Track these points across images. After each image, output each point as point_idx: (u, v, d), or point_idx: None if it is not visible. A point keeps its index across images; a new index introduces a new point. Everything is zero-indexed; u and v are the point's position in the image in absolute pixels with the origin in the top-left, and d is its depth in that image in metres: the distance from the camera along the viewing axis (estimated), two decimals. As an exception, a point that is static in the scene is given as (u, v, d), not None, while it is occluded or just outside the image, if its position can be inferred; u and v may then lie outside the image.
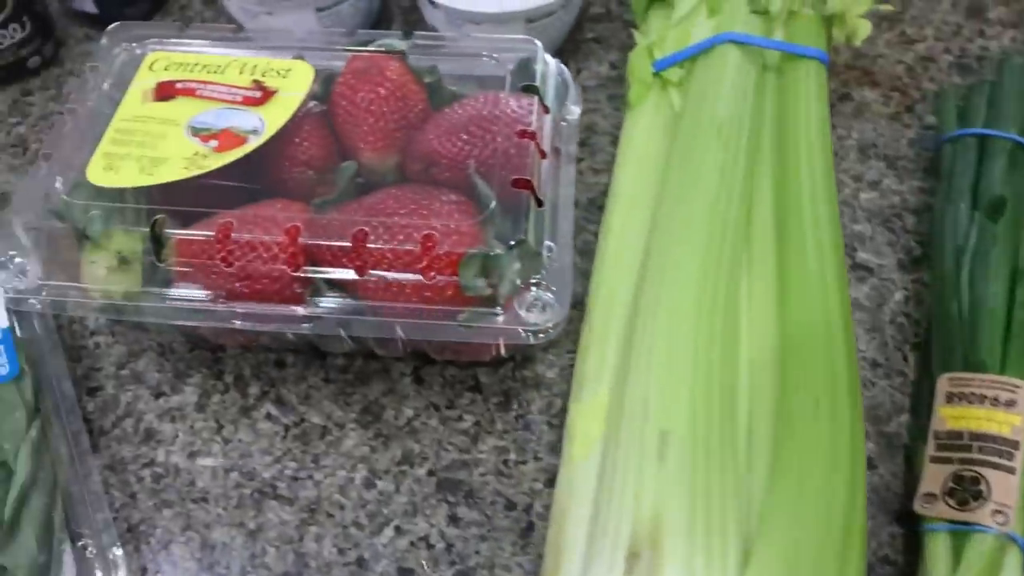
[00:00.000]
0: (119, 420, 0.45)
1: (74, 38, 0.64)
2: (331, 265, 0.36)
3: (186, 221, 0.38)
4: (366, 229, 0.35)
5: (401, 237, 0.35)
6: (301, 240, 0.36)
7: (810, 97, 0.46)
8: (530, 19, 0.53)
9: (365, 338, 0.41)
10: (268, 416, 0.44)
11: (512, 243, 0.35)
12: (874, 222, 0.51)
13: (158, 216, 0.37)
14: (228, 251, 0.36)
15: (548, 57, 0.43)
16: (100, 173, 0.38)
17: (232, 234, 0.36)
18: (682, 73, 0.49)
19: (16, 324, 0.43)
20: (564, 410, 0.44)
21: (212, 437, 0.44)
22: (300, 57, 0.43)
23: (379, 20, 0.63)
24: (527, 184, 0.37)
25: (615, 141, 0.54)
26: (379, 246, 0.35)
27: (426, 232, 0.35)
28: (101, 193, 0.38)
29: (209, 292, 0.37)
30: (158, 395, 0.45)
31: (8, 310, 0.43)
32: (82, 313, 0.39)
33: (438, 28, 0.56)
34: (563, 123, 0.42)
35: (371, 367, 0.46)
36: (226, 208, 0.38)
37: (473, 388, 0.45)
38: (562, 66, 0.44)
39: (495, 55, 0.43)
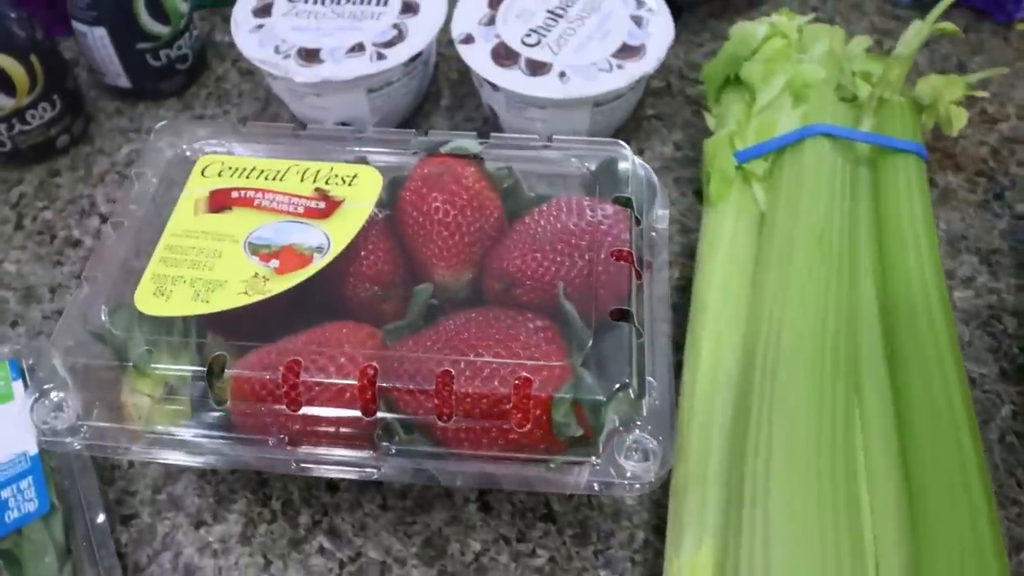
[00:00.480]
0: (156, 554, 0.40)
1: (104, 113, 0.61)
2: (409, 407, 0.32)
3: (238, 343, 0.34)
4: (451, 371, 0.31)
5: (491, 379, 0.31)
6: (378, 383, 0.32)
7: (912, 195, 0.43)
8: (598, 103, 0.50)
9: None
10: (321, 550, 0.40)
11: (617, 386, 0.31)
12: (971, 325, 0.47)
13: (217, 354, 0.33)
14: (295, 393, 0.32)
15: (634, 157, 0.39)
16: (150, 300, 0.34)
17: (301, 374, 0.32)
18: (766, 166, 0.45)
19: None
20: (647, 544, 0.40)
21: (259, 575, 0.40)
22: (363, 159, 0.40)
23: (427, 97, 0.59)
24: (626, 315, 0.33)
25: (684, 229, 0.51)
26: (466, 389, 0.31)
27: (521, 377, 0.31)
28: (148, 318, 0.35)
29: (269, 435, 0.33)
30: (198, 524, 0.41)
31: (39, 436, 0.39)
32: (126, 456, 0.35)
33: (497, 112, 0.53)
34: (652, 233, 0.38)
35: (432, 491, 0.42)
36: (282, 331, 0.35)
37: (546, 517, 0.41)
38: (647, 167, 0.40)
39: (575, 157, 0.40)
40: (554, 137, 0.40)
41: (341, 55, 0.51)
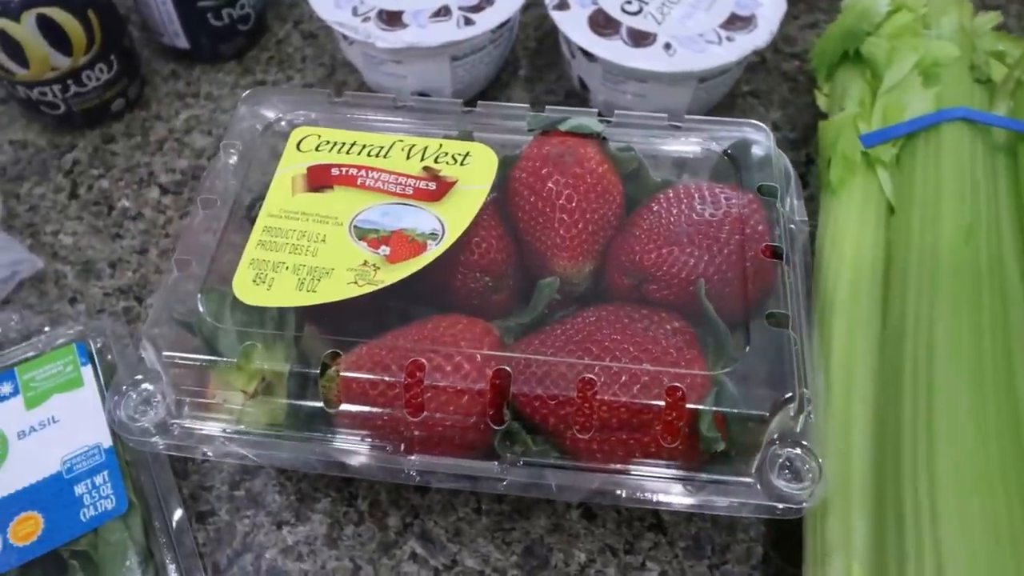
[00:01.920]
0: (236, 556, 0.38)
1: (160, 76, 0.57)
2: (541, 415, 0.29)
3: (339, 337, 0.31)
4: (593, 378, 0.28)
5: (635, 388, 0.28)
6: (511, 389, 0.28)
7: (1059, 189, 0.39)
8: (703, 79, 0.46)
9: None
10: (413, 556, 0.37)
11: (784, 398, 0.28)
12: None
13: (331, 351, 0.29)
14: (418, 397, 0.29)
15: (772, 143, 0.36)
16: (249, 288, 0.31)
17: (423, 379, 0.29)
18: (894, 152, 0.41)
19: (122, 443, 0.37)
20: (767, 560, 0.37)
21: (350, 582, 0.37)
22: (469, 135, 0.36)
23: (503, 67, 0.55)
24: (782, 319, 0.30)
25: (795, 221, 0.47)
26: (609, 397, 0.28)
27: (669, 386, 0.28)
28: (241, 306, 0.31)
29: (381, 439, 0.30)
30: (280, 524, 0.38)
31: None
32: (222, 459, 0.32)
33: (588, 85, 0.49)
34: (791, 226, 0.34)
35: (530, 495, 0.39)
36: (386, 324, 0.32)
37: (655, 527, 0.38)
38: (781, 153, 0.36)
39: (705, 138, 0.36)
40: (685, 116, 0.36)
41: (425, 19, 0.47)
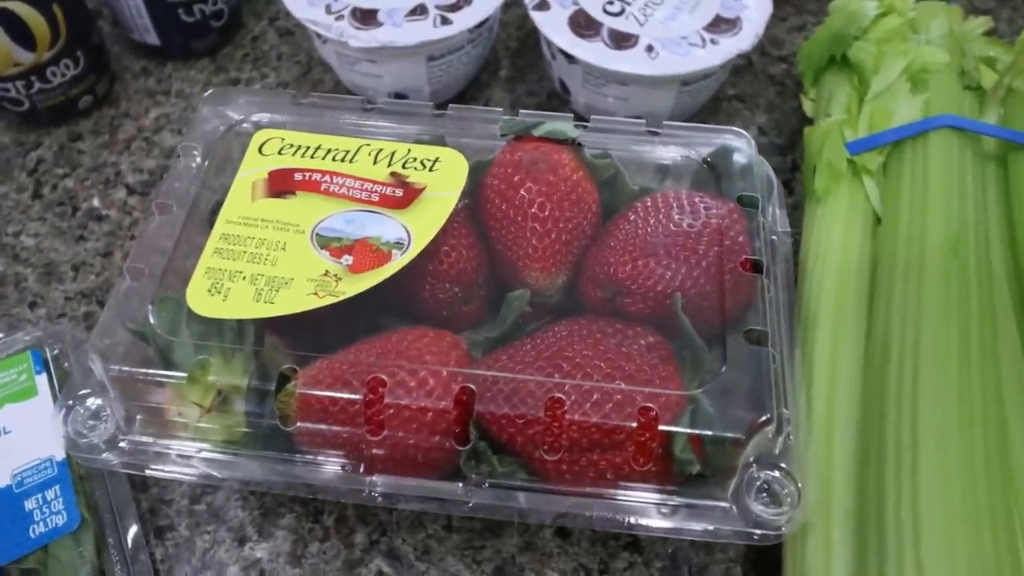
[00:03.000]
0: (196, 573, 0.36)
1: (130, 73, 0.55)
2: (507, 435, 0.28)
3: (299, 351, 0.29)
4: (562, 397, 0.27)
5: (606, 407, 0.27)
6: (476, 408, 0.27)
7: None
8: (686, 82, 0.45)
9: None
10: (380, 575, 0.36)
11: (761, 420, 0.27)
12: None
13: (287, 367, 0.28)
14: (378, 415, 0.27)
15: (754, 151, 0.34)
16: (204, 298, 0.29)
17: (384, 396, 0.27)
18: (880, 160, 0.40)
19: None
20: (746, 582, 0.35)
21: (313, 602, 0.35)
22: (440, 139, 0.35)
23: (483, 67, 0.54)
24: (760, 336, 0.29)
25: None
26: (578, 417, 0.27)
27: (641, 406, 0.27)
28: (198, 317, 0.30)
29: (342, 458, 0.29)
30: (242, 540, 0.37)
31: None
32: (172, 476, 0.30)
33: (569, 87, 0.48)
34: (773, 237, 0.33)
35: (504, 513, 0.37)
36: (349, 336, 0.30)
37: (631, 547, 0.37)
38: (763, 161, 0.35)
39: (683, 145, 0.35)
40: (664, 122, 0.35)
41: (400, 17, 0.46)
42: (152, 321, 0.30)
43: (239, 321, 0.30)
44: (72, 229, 0.47)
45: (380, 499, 0.29)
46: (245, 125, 0.35)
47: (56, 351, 0.39)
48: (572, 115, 0.35)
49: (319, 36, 0.47)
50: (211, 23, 0.54)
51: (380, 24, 0.46)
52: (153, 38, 0.54)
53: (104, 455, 0.30)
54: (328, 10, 0.47)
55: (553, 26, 0.46)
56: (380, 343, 0.30)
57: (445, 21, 0.46)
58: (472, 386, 0.27)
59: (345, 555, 0.37)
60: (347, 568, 0.36)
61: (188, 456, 0.30)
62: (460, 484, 0.28)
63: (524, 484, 0.28)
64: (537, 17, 0.46)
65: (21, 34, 0.46)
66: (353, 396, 0.27)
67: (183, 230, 0.32)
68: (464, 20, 0.46)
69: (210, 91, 0.37)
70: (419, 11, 0.46)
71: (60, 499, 0.34)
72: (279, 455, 0.30)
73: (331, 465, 0.29)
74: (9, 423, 0.36)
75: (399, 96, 0.49)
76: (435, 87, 0.49)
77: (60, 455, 0.35)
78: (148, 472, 0.30)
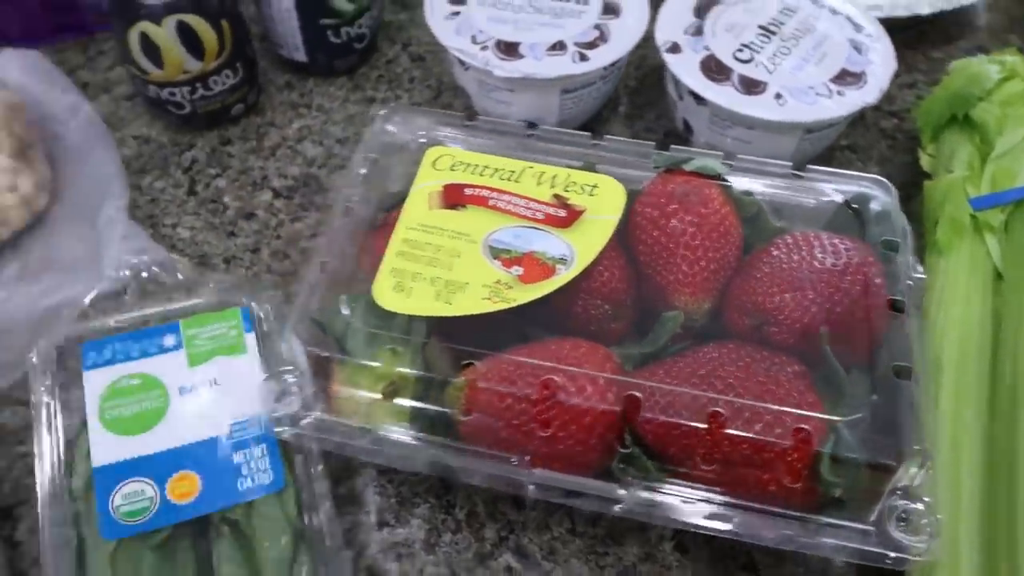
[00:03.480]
0: (337, 551, 0.39)
1: (275, 85, 0.59)
2: (663, 442, 0.30)
3: (447, 356, 0.32)
4: (721, 411, 0.29)
5: (762, 425, 0.29)
6: (645, 414, 0.30)
7: None
8: (809, 130, 0.47)
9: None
10: (508, 569, 0.38)
11: (913, 449, 0.29)
12: None
13: (467, 362, 0.31)
14: (549, 413, 0.30)
15: (894, 198, 0.37)
16: (389, 294, 0.32)
17: (557, 394, 0.30)
18: (1003, 218, 0.42)
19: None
20: (857, 609, 0.37)
21: (443, 587, 0.38)
22: (591, 166, 0.38)
23: (606, 103, 0.57)
24: (905, 371, 0.31)
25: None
26: (738, 433, 0.29)
27: (796, 428, 0.29)
28: (372, 311, 0.33)
29: (504, 450, 0.31)
30: (381, 525, 0.40)
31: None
32: (350, 452, 0.33)
33: (693, 126, 0.51)
34: (909, 282, 0.35)
35: (624, 522, 0.39)
36: (507, 341, 0.33)
37: (748, 567, 0.38)
38: (898, 207, 0.37)
39: (825, 188, 0.37)
40: (808, 166, 0.37)
41: (542, 52, 0.49)
42: (342, 311, 0.33)
43: (409, 319, 0.33)
44: (223, 225, 0.51)
45: (535, 491, 0.31)
46: (423, 142, 0.38)
47: (262, 315, 0.40)
48: (721, 153, 0.37)
49: (462, 63, 0.50)
50: (354, 45, 0.58)
51: (522, 56, 0.49)
52: (301, 55, 0.58)
53: (292, 428, 0.33)
54: (474, 40, 0.50)
55: (685, 69, 0.48)
56: (541, 349, 0.33)
57: (583, 58, 0.49)
58: (637, 393, 0.30)
59: (476, 548, 0.39)
60: (478, 560, 0.39)
61: (361, 436, 0.33)
62: (616, 484, 0.31)
63: (674, 491, 0.31)
64: (670, 59, 0.49)
65: (194, 45, 0.51)
66: (526, 393, 0.30)
67: (361, 232, 0.35)
68: (600, 58, 0.49)
69: (386, 108, 0.40)
70: (559, 47, 0.50)
71: (266, 458, 0.35)
72: (442, 442, 0.32)
73: (501, 458, 0.32)
74: (220, 375, 0.38)
75: (530, 124, 0.52)
76: (563, 117, 0.52)
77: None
78: (326, 447, 0.33)
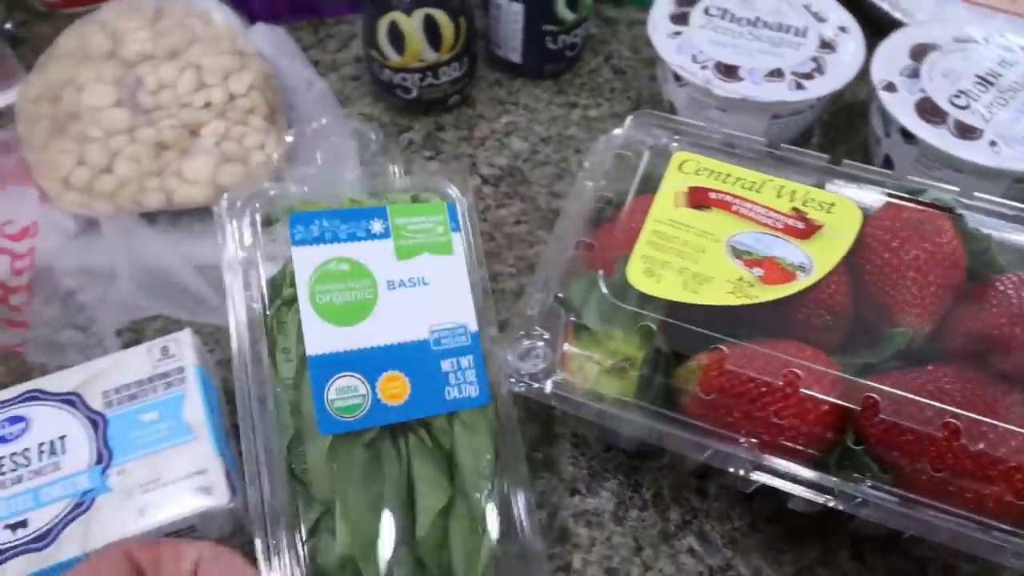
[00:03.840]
0: (530, 510, 0.42)
1: (485, 81, 0.64)
2: (892, 446, 0.32)
3: (685, 337, 0.35)
4: (955, 422, 0.31)
5: (997, 445, 0.31)
6: (881, 416, 0.32)
7: None
8: (1018, 179, 0.48)
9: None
10: (691, 551, 0.41)
11: None
12: None
13: (715, 347, 0.34)
14: (782, 403, 0.32)
15: None
16: (641, 277, 0.36)
17: (798, 385, 0.32)
18: None
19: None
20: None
21: (630, 557, 0.41)
22: (821, 185, 0.40)
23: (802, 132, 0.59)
24: None
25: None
26: (969, 445, 0.31)
27: (1028, 448, 0.31)
28: (602, 290, 0.36)
29: (733, 430, 0.34)
30: (573, 492, 0.43)
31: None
32: (587, 415, 0.36)
33: (896, 164, 0.52)
34: None
35: (803, 523, 0.41)
36: (737, 335, 0.35)
37: (922, 584, 0.40)
38: None
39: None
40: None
41: (760, 77, 0.52)
42: (583, 284, 0.36)
43: (640, 301, 0.36)
44: (436, 203, 0.56)
45: (751, 473, 0.34)
46: (672, 145, 0.41)
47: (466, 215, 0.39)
48: (956, 188, 0.39)
49: (678, 79, 0.54)
50: (566, 52, 0.62)
51: (740, 79, 0.52)
52: (516, 57, 0.62)
53: (533, 384, 0.36)
54: (694, 59, 0.53)
55: (900, 107, 0.50)
56: (771, 345, 0.35)
57: (799, 86, 0.51)
58: (875, 396, 0.32)
59: (661, 526, 0.42)
60: (662, 537, 0.41)
61: (594, 401, 0.36)
62: (834, 477, 0.33)
63: (892, 492, 0.33)
64: (885, 97, 0.51)
65: (434, 37, 0.55)
66: (772, 381, 0.32)
67: (607, 218, 0.39)
68: (816, 88, 0.51)
69: (635, 113, 0.44)
70: (776, 74, 0.52)
71: (473, 371, 0.35)
72: (673, 414, 0.35)
73: (719, 434, 0.34)
74: (427, 274, 0.36)
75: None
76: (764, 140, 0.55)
77: (474, 326, 0.36)
78: (562, 406, 0.36)
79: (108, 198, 0.50)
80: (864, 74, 0.53)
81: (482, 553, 0.34)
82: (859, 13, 0.57)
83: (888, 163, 0.54)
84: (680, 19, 0.56)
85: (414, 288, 0.36)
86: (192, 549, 0.30)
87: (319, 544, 0.33)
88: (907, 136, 0.50)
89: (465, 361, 0.35)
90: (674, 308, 0.36)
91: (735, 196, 0.38)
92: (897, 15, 0.61)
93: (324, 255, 0.35)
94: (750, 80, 0.52)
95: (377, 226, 0.37)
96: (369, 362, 0.34)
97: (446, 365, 0.34)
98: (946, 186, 0.39)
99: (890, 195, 0.39)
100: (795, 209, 0.38)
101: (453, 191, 0.40)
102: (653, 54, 0.55)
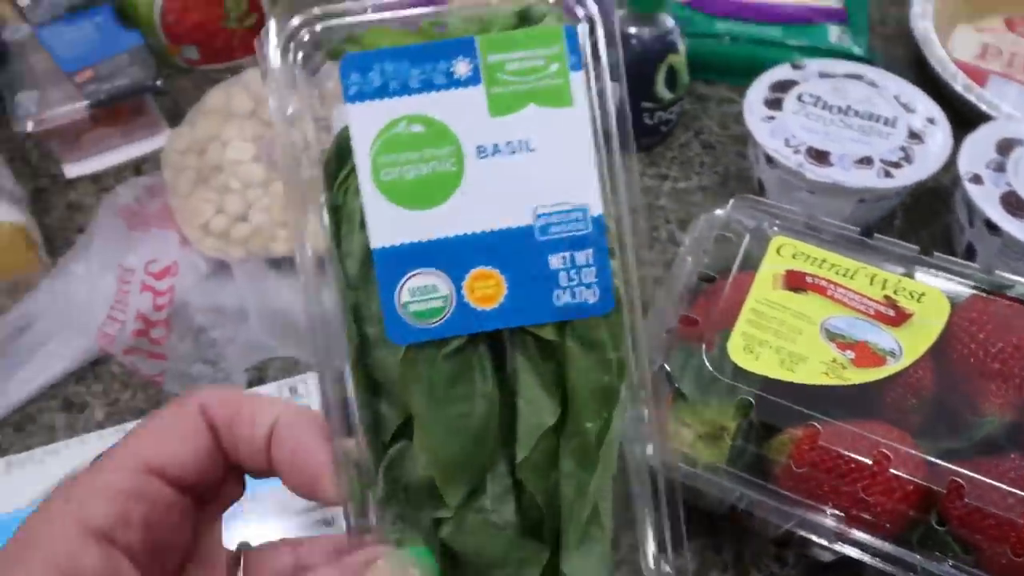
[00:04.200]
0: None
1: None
2: (975, 528, 0.34)
3: (779, 412, 0.38)
4: (1037, 512, 0.33)
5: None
6: (965, 500, 0.34)
7: None
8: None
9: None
10: (770, 616, 0.43)
11: None
12: None
13: (809, 425, 0.37)
14: (874, 478, 0.35)
15: None
16: (740, 352, 0.39)
17: (887, 465, 0.35)
18: None
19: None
20: None
21: (710, 616, 0.43)
22: (910, 275, 0.43)
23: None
24: None
25: None
26: (1047, 534, 0.33)
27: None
28: (713, 362, 0.39)
29: (821, 503, 0.36)
30: (659, 548, 0.45)
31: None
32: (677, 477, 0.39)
33: (979, 253, 0.55)
34: None
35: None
36: (827, 413, 0.38)
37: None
38: None
39: None
40: None
41: (850, 163, 0.55)
42: (683, 355, 0.40)
43: (735, 375, 0.39)
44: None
45: (838, 545, 0.36)
46: (771, 230, 0.45)
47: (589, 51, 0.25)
48: (1039, 282, 0.41)
49: (770, 160, 0.57)
50: (660, 128, 0.66)
51: (831, 165, 0.55)
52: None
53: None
54: (787, 143, 0.57)
55: (985, 199, 0.53)
56: (861, 425, 0.38)
57: (888, 174, 0.54)
58: (959, 480, 0.34)
59: (741, 588, 0.44)
60: (742, 599, 0.44)
61: (685, 466, 0.39)
62: (917, 555, 0.35)
63: (977, 573, 0.35)
64: (972, 189, 0.53)
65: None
66: (863, 459, 0.35)
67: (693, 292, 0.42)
68: (904, 177, 0.54)
69: (736, 198, 0.47)
70: (866, 161, 0.55)
71: (592, 269, 0.25)
72: (764, 484, 0.38)
73: (808, 505, 0.37)
74: (533, 136, 0.25)
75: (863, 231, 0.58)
76: (847, 223, 0.58)
77: (597, 208, 0.25)
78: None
79: (242, 244, 0.55)
80: (949, 163, 0.55)
81: (593, 484, 0.27)
82: (947, 105, 0.60)
83: (971, 251, 0.56)
84: (774, 104, 0.59)
85: (514, 156, 0.26)
86: (269, 411, 0.26)
87: (405, 453, 0.27)
88: (991, 228, 0.52)
89: (582, 256, 0.25)
90: (769, 383, 0.39)
91: (830, 281, 0.41)
92: (983, 107, 0.64)
93: (389, 113, 0.25)
94: (840, 166, 0.55)
95: (462, 67, 0.26)
96: (453, 255, 0.26)
97: (555, 260, 0.25)
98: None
99: (977, 287, 0.41)
100: (887, 297, 0.41)
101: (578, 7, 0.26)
102: (741, 131, 0.59)
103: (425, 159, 0.25)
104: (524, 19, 0.26)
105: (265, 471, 0.27)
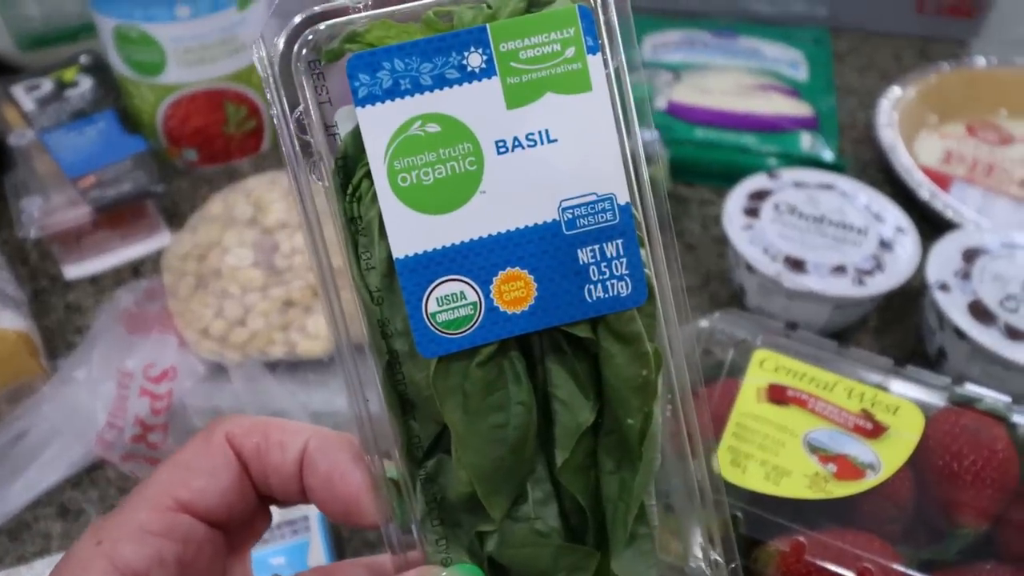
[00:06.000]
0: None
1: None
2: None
3: (764, 525, 0.39)
4: (1015, 627, 0.35)
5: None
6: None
7: None
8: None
9: None
10: None
11: None
12: None
13: (796, 539, 0.38)
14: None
15: None
16: (727, 466, 0.40)
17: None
18: None
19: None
20: None
21: None
22: (884, 388, 0.45)
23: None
24: None
25: None
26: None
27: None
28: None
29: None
30: (649, 656, 0.46)
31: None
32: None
33: (949, 357, 0.57)
34: None
35: None
36: (801, 524, 0.39)
37: None
38: None
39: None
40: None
41: (825, 271, 0.58)
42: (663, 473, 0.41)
43: (713, 483, 0.41)
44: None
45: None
46: (743, 340, 0.47)
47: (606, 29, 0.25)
48: (1010, 398, 0.44)
49: (750, 268, 0.60)
50: (643, 230, 0.69)
51: (807, 273, 0.58)
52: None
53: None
54: (765, 251, 0.59)
55: (953, 307, 0.55)
56: (842, 536, 0.39)
57: (861, 282, 0.57)
58: (940, 596, 0.36)
59: None
60: None
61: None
62: (903, 669, 0.36)
63: None
64: (940, 297, 0.56)
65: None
66: (846, 573, 0.37)
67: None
68: (876, 285, 0.57)
69: (719, 313, 0.49)
70: (840, 270, 0.58)
71: (623, 260, 0.24)
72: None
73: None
74: (554, 126, 0.24)
75: (791, 325, 0.60)
76: (825, 325, 0.60)
77: (623, 196, 0.25)
78: None
79: (239, 348, 0.56)
80: (919, 268, 0.58)
81: (637, 481, 0.26)
82: (914, 208, 0.63)
83: (942, 353, 0.58)
84: (752, 212, 0.62)
85: (535, 148, 0.24)
86: (298, 435, 0.26)
87: (441, 468, 0.26)
88: (960, 335, 0.55)
89: (611, 247, 0.25)
90: (754, 497, 0.40)
91: (810, 394, 0.44)
92: (949, 214, 0.67)
93: (402, 115, 0.24)
94: (816, 274, 0.58)
95: (475, 59, 0.24)
96: (478, 259, 0.25)
97: (584, 255, 0.25)
98: (1000, 396, 0.44)
99: (950, 400, 0.44)
100: (864, 410, 0.43)
101: None
102: (721, 233, 0.61)
103: (443, 160, 0.24)
104: (533, 2, 0.24)
105: (296, 498, 0.26)
